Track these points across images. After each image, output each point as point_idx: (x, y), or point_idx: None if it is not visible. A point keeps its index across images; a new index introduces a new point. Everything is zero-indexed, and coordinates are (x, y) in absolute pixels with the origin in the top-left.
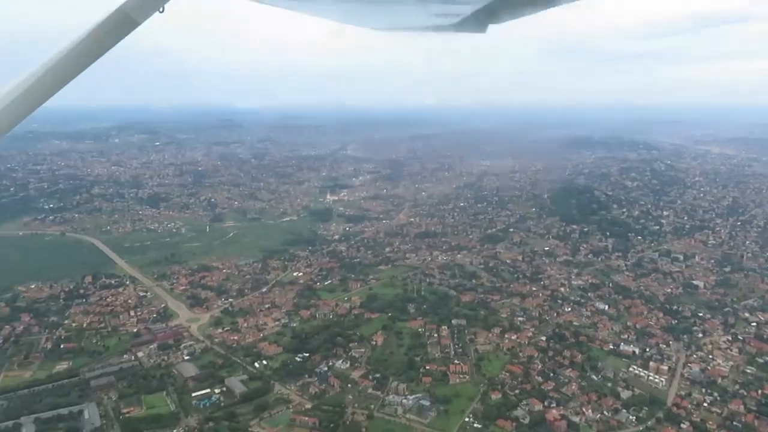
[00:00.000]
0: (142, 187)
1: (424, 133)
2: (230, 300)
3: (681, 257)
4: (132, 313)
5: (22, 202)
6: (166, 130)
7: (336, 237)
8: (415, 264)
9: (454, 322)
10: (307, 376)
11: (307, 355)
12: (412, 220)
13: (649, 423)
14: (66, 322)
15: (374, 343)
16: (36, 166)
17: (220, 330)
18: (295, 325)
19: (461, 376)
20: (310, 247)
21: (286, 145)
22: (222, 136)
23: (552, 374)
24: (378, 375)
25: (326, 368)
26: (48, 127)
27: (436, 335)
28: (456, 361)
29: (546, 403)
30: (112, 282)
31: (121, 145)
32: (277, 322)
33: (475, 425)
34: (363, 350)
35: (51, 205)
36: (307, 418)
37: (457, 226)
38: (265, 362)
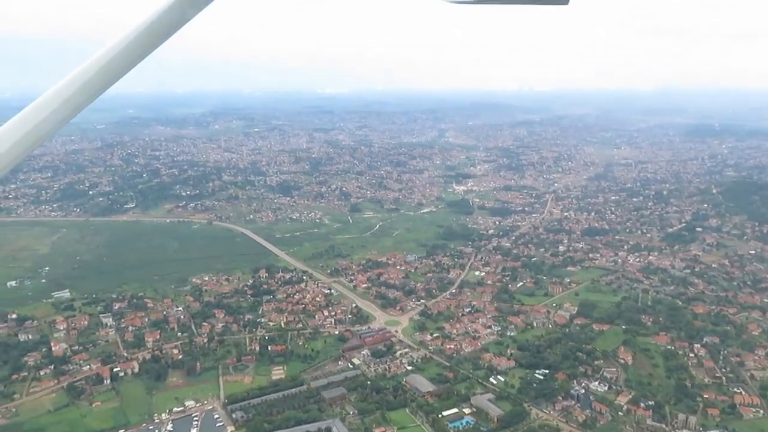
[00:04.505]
0: (266, 175)
1: (520, 119)
2: (422, 301)
3: None
4: (325, 312)
5: (158, 189)
6: (260, 116)
7: (491, 231)
8: (607, 266)
9: (706, 339)
10: (561, 398)
11: (548, 371)
12: (567, 214)
13: None
14: (262, 320)
15: (622, 361)
16: (154, 152)
17: (429, 336)
18: (512, 334)
19: (754, 409)
20: (470, 243)
21: (384, 132)
22: (316, 123)
23: None
24: (650, 402)
25: (583, 390)
26: (147, 113)
27: (692, 355)
28: (737, 390)
29: None
30: (290, 277)
31: (223, 131)
32: (488, 330)
33: None
34: (614, 369)
35: (187, 192)
36: None
37: (624, 223)
38: (501, 378)
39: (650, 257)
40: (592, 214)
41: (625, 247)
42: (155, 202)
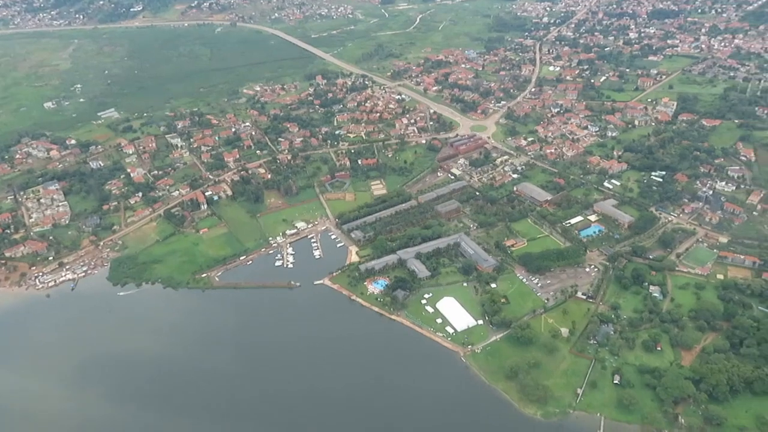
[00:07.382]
0: None
1: None
2: (503, 103)
3: None
4: (404, 120)
5: None
6: None
7: (545, 19)
8: (691, 53)
9: None
10: (687, 200)
11: (665, 173)
12: None
13: None
14: (341, 132)
15: (744, 158)
16: None
17: (523, 141)
18: (614, 134)
19: None
20: (527, 34)
21: None
22: None
23: None
24: None
25: (710, 191)
26: None
27: None
28: None
29: None
30: (352, 83)
31: None
32: (585, 131)
33: None
34: (737, 168)
35: None
36: (742, 257)
37: (693, 2)
38: (615, 182)
39: (736, 40)
40: None
41: (702, 30)
42: (164, 3)
